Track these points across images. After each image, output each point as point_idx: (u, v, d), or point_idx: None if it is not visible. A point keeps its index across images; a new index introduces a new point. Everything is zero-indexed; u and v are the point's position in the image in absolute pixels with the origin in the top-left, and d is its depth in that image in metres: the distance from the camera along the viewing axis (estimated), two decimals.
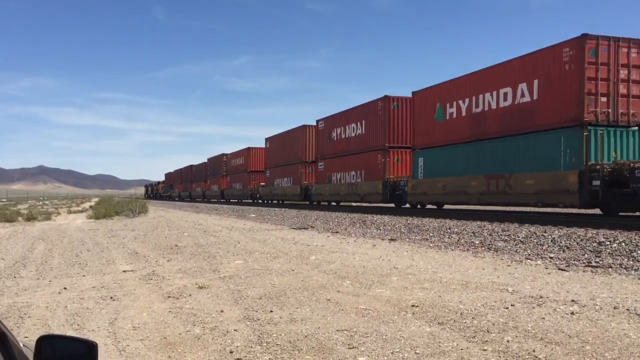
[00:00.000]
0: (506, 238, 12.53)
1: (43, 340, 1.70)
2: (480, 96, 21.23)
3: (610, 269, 8.37)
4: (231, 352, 4.59)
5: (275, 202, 44.50)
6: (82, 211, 39.29)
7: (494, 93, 20.51)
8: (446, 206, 26.66)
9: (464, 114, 22.26)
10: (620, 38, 17.02)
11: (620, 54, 16.97)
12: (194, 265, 9.92)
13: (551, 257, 9.79)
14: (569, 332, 4.88)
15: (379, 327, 5.26)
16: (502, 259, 9.92)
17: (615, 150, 16.75)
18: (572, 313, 5.56)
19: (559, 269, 8.63)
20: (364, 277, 8.18)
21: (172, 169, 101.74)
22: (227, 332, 5.24)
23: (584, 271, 8.34)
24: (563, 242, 11.30)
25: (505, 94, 19.95)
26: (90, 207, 43.48)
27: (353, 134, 31.37)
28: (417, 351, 4.47)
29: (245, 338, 5.01)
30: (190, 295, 7.10)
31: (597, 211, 18.35)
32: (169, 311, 6.20)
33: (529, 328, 5.05)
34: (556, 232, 12.93)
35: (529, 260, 9.63)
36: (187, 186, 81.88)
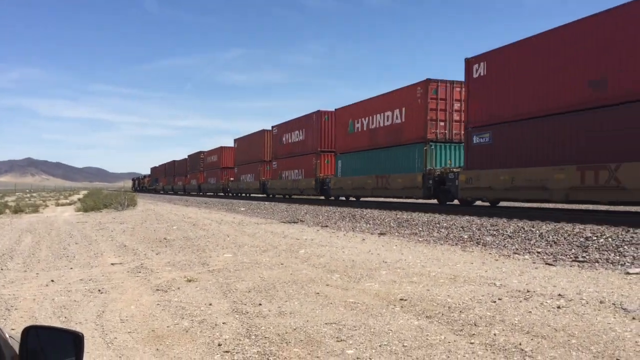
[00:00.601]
0: (494, 233, 12.60)
1: (29, 330, 1.69)
2: (375, 116, 28.56)
3: (596, 264, 8.45)
4: (219, 345, 4.59)
5: (243, 195, 51.98)
6: (70, 204, 39.03)
7: (382, 115, 27.83)
8: (364, 199, 32.67)
9: (365, 128, 29.47)
10: (455, 81, 24.26)
11: (454, 92, 24.36)
12: (183, 258, 9.89)
13: (539, 252, 9.86)
14: (556, 325, 4.93)
15: (368, 320, 5.28)
16: (490, 254, 9.99)
17: (450, 159, 24.22)
18: (559, 307, 5.61)
19: (546, 263, 8.70)
20: (353, 270, 8.20)
21: (161, 162, 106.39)
22: (216, 325, 5.24)
23: (570, 266, 8.41)
24: (551, 237, 11.39)
25: (388, 116, 27.28)
26: (79, 199, 43.20)
27: (297, 140, 38.17)
28: (405, 344, 4.49)
29: (234, 331, 5.01)
30: (178, 288, 7.09)
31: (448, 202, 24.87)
32: (157, 304, 6.18)
33: (515, 322, 5.09)
34: (544, 227, 13.03)
35: (516, 255, 9.70)
36: (170, 180, 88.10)
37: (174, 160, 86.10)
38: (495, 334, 4.70)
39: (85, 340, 1.77)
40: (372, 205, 26.33)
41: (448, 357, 4.17)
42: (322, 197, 34.76)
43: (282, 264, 9.03)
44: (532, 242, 11.00)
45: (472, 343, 4.48)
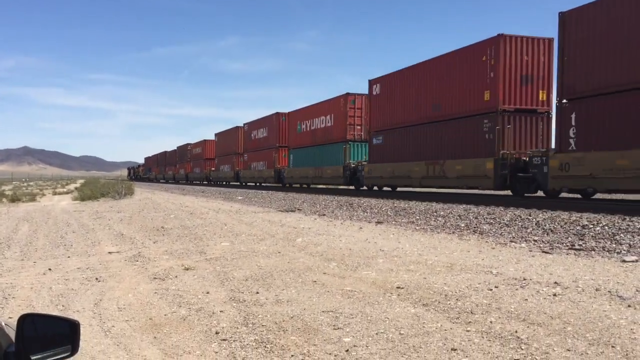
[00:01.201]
0: (491, 221, 12.63)
1: (25, 318, 1.69)
2: (314, 119, 34.97)
3: (593, 252, 8.48)
4: (217, 333, 4.61)
5: (223, 183, 57.52)
6: (67, 193, 38.98)
7: (319, 119, 34.17)
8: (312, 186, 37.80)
9: (308, 129, 36.02)
10: (364, 94, 29.25)
11: (366, 102, 29.39)
12: (180, 247, 9.90)
13: (535, 240, 9.89)
14: (551, 313, 4.95)
15: (364, 308, 5.30)
16: (487, 242, 10.01)
17: (364, 155, 29.48)
18: (555, 295, 5.63)
19: (543, 251, 8.73)
20: (350, 259, 8.22)
21: (158, 151, 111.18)
22: (213, 313, 5.25)
23: (567, 254, 8.45)
24: (547, 225, 11.42)
25: (323, 120, 33.65)
26: (76, 188, 43.15)
27: (262, 136, 45.06)
28: (402, 332, 4.51)
29: (231, 319, 5.03)
30: (176, 276, 7.10)
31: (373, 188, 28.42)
32: (155, 292, 6.19)
33: (512, 309, 5.11)
34: (540, 215, 13.06)
35: (513, 243, 9.73)
36: (161, 170, 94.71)
37: (165, 151, 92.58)
38: (491, 322, 4.73)
39: (82, 328, 1.77)
40: (364, 194, 26.54)
41: (444, 344, 4.19)
42: (280, 185, 41.40)
43: (279, 252, 9.04)
44: (528, 231, 11.03)
45: (468, 331, 4.51)
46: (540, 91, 19.54)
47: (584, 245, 9.10)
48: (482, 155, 19.68)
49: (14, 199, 28.07)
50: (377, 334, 4.49)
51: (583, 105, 16.08)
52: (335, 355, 4.02)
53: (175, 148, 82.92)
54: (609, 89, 15.35)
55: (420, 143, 23.47)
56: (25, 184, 72.37)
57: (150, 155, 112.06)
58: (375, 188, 28.83)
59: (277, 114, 41.27)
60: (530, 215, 13.07)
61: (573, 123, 16.33)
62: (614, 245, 8.95)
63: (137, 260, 8.43)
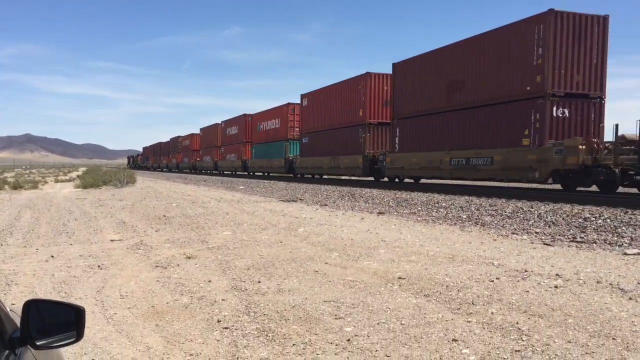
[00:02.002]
0: (493, 213, 12.63)
1: (30, 304, 1.69)
2: (268, 121, 43.73)
3: (594, 245, 8.48)
4: (219, 322, 4.63)
5: (206, 172, 64.10)
6: (69, 180, 39.02)
7: (271, 121, 42.96)
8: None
9: (264, 129, 44.77)
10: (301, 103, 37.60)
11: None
12: (182, 235, 9.92)
13: (537, 232, 9.90)
14: (552, 305, 4.96)
15: (366, 298, 5.31)
16: (488, 234, 10.02)
17: (298, 150, 38.08)
18: (556, 287, 5.64)
19: (544, 243, 8.73)
20: (352, 249, 8.23)
21: (161, 139, 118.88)
22: (215, 301, 5.27)
23: (568, 246, 8.45)
24: (549, 217, 11.42)
25: (273, 122, 42.53)
26: (78, 176, 43.18)
27: (233, 133, 53.97)
28: (403, 322, 4.53)
29: (233, 308, 5.04)
30: (178, 265, 7.12)
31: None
32: (157, 280, 6.21)
33: (513, 301, 5.12)
34: (542, 207, 13.05)
35: (515, 235, 9.73)
36: (157, 159, 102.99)
37: (160, 142, 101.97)
38: (492, 313, 4.74)
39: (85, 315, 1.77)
40: (365, 184, 26.55)
41: (445, 335, 4.20)
42: (246, 173, 50.33)
43: (281, 242, 9.06)
44: (530, 223, 11.03)
45: (469, 322, 4.52)
46: (392, 111, 26.37)
47: (585, 237, 9.10)
48: (357, 153, 28.82)
49: (16, 186, 28.12)
50: (378, 324, 4.50)
51: (402, 123, 25.11)
52: (336, 345, 4.03)
53: (169, 139, 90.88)
54: (411, 115, 24.34)
55: (328, 144, 32.73)
56: (27, 171, 72.47)
57: (148, 145, 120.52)
58: (308, 176, 37.92)
59: (245, 115, 50.66)
60: (532, 208, 13.06)
61: (397, 134, 25.42)
62: (616, 238, 8.95)
63: (139, 249, 8.45)
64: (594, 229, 9.89)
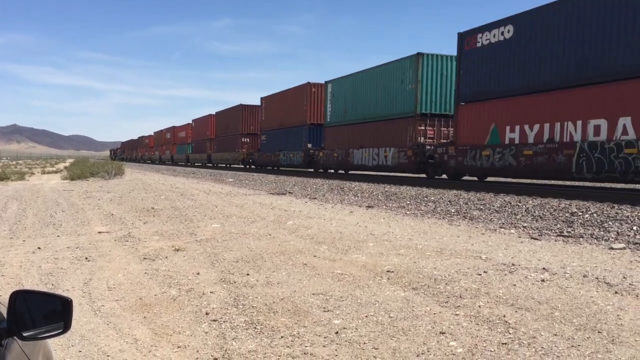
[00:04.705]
0: (481, 207, 12.70)
1: (17, 295, 1.67)
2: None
3: (581, 239, 8.56)
4: (207, 314, 4.62)
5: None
6: (56, 172, 38.71)
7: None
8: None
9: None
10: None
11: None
12: (171, 227, 9.89)
13: (524, 227, 9.97)
14: (539, 298, 5.00)
15: (354, 291, 5.33)
16: (476, 228, 10.07)
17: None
18: (543, 280, 5.68)
19: (532, 238, 8.79)
20: (341, 242, 8.25)
21: (149, 131, 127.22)
22: (203, 294, 5.26)
23: (555, 240, 8.52)
24: (536, 212, 11.50)
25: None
26: (65, 168, 42.84)
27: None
28: (391, 315, 4.55)
29: (221, 300, 5.04)
30: (166, 257, 7.09)
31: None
32: (145, 273, 6.19)
33: (500, 294, 5.16)
34: (530, 202, 13.14)
35: (502, 229, 9.79)
36: (134, 152, 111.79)
37: (142, 136, 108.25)
38: (480, 306, 4.77)
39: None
40: (356, 177, 26.58)
41: (433, 327, 4.22)
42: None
43: (270, 234, 9.05)
44: (518, 217, 11.10)
45: (457, 315, 4.55)
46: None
47: (572, 232, 9.18)
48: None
49: (3, 178, 27.85)
50: (366, 316, 4.52)
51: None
52: (325, 337, 4.04)
53: (152, 133, 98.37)
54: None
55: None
56: (14, 162, 71.75)
57: (126, 140, 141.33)
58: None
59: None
60: (520, 202, 13.15)
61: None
62: (602, 232, 9.03)
63: (127, 241, 8.41)
64: (581, 223, 9.97)
